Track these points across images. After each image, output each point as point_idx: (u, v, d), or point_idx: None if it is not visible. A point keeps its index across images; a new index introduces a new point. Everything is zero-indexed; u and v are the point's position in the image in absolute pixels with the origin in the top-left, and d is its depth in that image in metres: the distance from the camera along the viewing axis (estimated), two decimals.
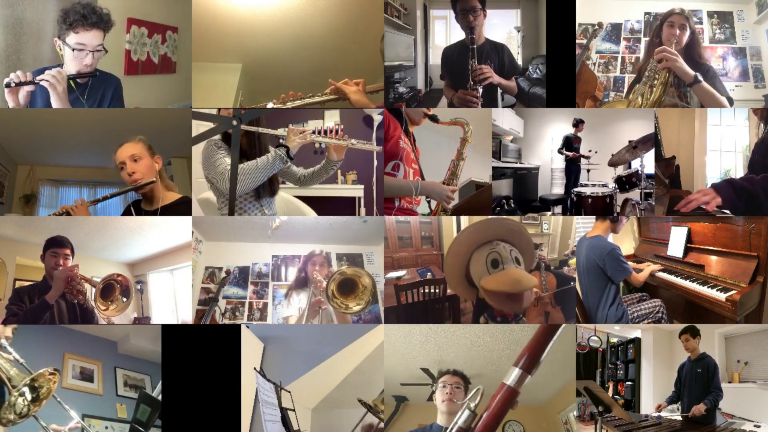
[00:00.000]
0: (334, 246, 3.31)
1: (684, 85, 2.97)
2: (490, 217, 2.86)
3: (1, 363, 2.35)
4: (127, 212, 2.83)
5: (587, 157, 3.38)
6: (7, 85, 2.57)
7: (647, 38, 3.14)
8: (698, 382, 2.93)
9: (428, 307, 3.01)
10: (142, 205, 2.81)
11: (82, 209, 2.67)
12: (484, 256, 2.35)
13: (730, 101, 2.99)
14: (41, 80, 2.58)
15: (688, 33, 2.97)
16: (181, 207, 2.81)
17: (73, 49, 2.63)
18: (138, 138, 2.77)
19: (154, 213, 2.76)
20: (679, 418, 2.99)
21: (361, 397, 2.79)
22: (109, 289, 2.82)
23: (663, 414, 3.07)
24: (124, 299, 2.83)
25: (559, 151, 3.42)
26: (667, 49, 2.92)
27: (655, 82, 2.94)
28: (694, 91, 2.95)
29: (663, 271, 3.25)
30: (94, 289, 2.80)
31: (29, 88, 2.60)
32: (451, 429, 1.82)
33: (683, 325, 3.00)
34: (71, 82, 2.67)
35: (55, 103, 2.62)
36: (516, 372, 1.78)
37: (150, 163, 2.76)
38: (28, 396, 2.32)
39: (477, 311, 2.56)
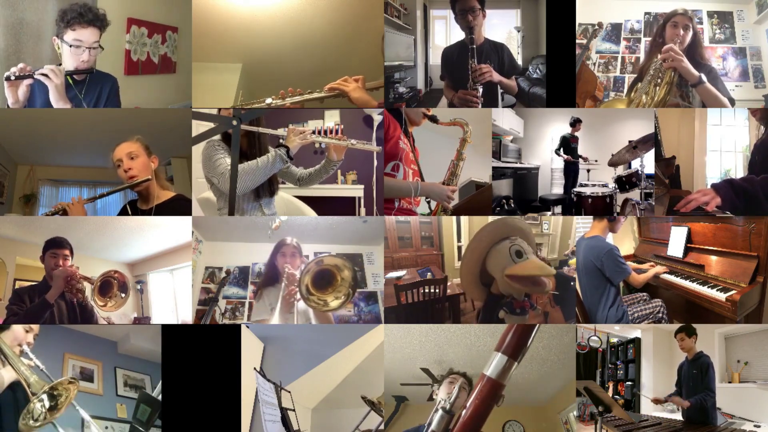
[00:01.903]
0: (334, 246, 3.31)
1: (686, 85, 2.97)
2: (504, 216, 2.88)
3: (23, 370, 2.37)
4: (123, 212, 2.83)
5: (585, 159, 3.39)
6: (7, 78, 2.60)
7: (647, 38, 3.15)
8: (694, 382, 2.95)
9: (428, 307, 3.01)
10: (138, 204, 2.82)
11: (78, 207, 2.69)
12: (506, 249, 2.46)
13: (732, 102, 2.99)
14: (39, 74, 2.61)
15: (690, 33, 2.98)
16: (175, 204, 2.81)
17: (71, 46, 2.67)
18: (135, 137, 2.78)
19: (149, 212, 2.77)
20: (680, 417, 2.99)
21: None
22: (106, 285, 2.84)
23: (663, 414, 3.08)
24: (122, 295, 2.84)
25: (556, 152, 3.42)
26: (673, 48, 2.92)
27: (660, 81, 2.95)
28: (697, 91, 2.95)
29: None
30: (91, 286, 2.80)
31: (28, 81, 2.63)
32: None
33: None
34: (69, 78, 2.70)
35: (53, 97, 2.64)
36: (498, 358, 1.47)
37: (146, 162, 2.77)
38: (47, 403, 2.34)
39: (489, 308, 2.58)
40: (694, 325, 2.98)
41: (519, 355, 1.48)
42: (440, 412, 1.61)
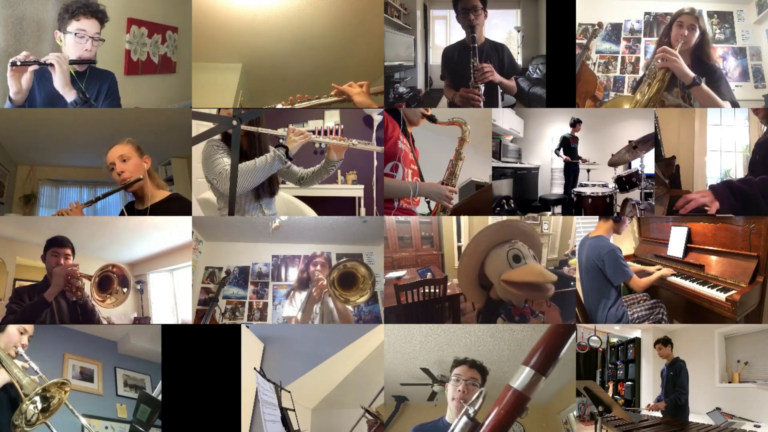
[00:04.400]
0: (334, 246, 3.31)
1: (684, 86, 2.96)
2: (507, 218, 2.87)
3: (15, 372, 2.36)
4: (121, 215, 2.84)
5: (584, 161, 3.39)
6: (13, 64, 2.62)
7: (647, 38, 3.15)
8: (671, 383, 3.03)
9: (428, 307, 3.01)
10: (135, 205, 2.83)
11: (77, 211, 2.70)
12: (504, 253, 2.43)
13: (735, 105, 2.97)
14: (45, 60, 2.64)
15: (697, 33, 2.94)
16: (171, 204, 2.82)
17: (75, 35, 2.71)
18: (127, 139, 2.80)
19: (144, 212, 2.78)
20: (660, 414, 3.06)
21: (362, 396, 2.79)
22: (105, 281, 2.81)
23: (646, 412, 3.11)
24: (124, 290, 2.82)
25: (556, 152, 3.42)
26: (666, 48, 2.91)
27: (653, 80, 2.94)
28: (693, 93, 2.93)
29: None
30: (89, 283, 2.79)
31: (33, 68, 2.65)
32: None
33: (684, 325, 3.03)
34: (71, 69, 2.71)
35: (58, 83, 2.65)
36: (526, 372, 1.48)
37: (138, 163, 2.78)
38: (39, 405, 2.33)
39: (487, 313, 2.56)
40: (694, 325, 3.05)
41: (548, 369, 1.49)
42: (464, 418, 1.59)
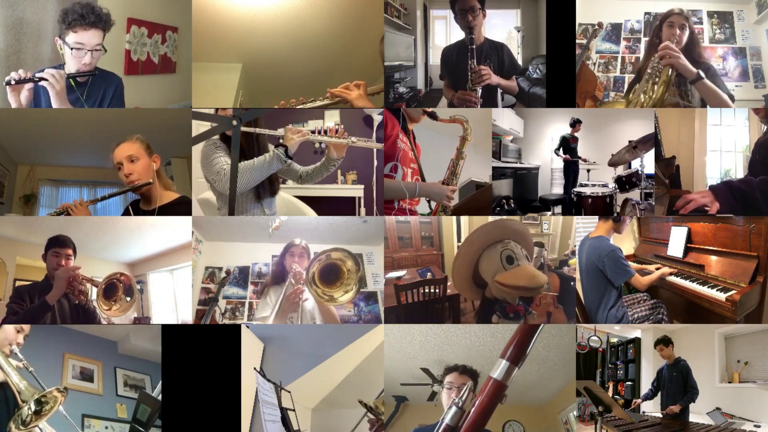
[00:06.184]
0: (334, 246, 3.31)
1: (685, 83, 2.95)
2: (500, 217, 2.88)
3: (13, 376, 2.35)
4: (126, 213, 2.83)
5: (584, 160, 3.39)
6: (8, 83, 2.57)
7: (647, 38, 3.15)
8: (674, 383, 3.03)
9: (428, 307, 3.01)
10: (140, 205, 2.81)
11: (82, 209, 2.66)
12: (498, 253, 2.45)
13: (732, 98, 2.98)
14: (40, 78, 2.58)
15: (687, 33, 2.97)
16: (179, 207, 2.80)
17: (72, 48, 2.63)
18: (136, 137, 2.74)
19: (151, 213, 2.76)
20: (659, 414, 3.06)
21: (362, 397, 2.79)
22: (111, 288, 2.80)
23: (643, 410, 3.12)
24: (128, 299, 2.81)
25: (556, 152, 3.42)
26: (669, 45, 2.91)
27: (658, 80, 2.94)
28: (696, 88, 2.93)
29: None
30: (96, 289, 2.79)
31: (29, 85, 2.59)
32: (438, 427, 1.80)
33: (684, 325, 3.03)
34: (71, 81, 2.68)
35: (54, 101, 2.62)
36: (503, 364, 1.73)
37: (147, 163, 2.73)
38: (33, 407, 2.33)
39: (483, 311, 2.57)
40: (694, 325, 3.05)
41: (520, 361, 1.74)
42: (453, 408, 1.81)
